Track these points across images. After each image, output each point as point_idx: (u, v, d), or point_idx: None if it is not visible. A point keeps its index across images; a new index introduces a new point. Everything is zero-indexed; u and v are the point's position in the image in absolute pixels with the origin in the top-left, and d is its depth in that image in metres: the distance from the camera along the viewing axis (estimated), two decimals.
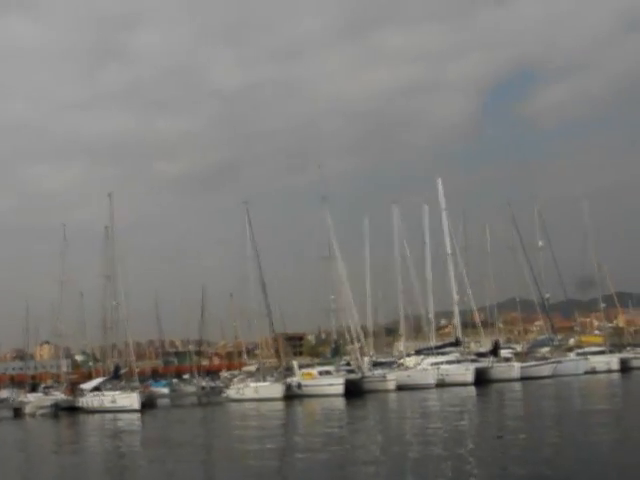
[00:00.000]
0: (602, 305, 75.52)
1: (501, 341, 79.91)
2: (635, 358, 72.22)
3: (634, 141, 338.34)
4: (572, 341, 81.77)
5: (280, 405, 56.45)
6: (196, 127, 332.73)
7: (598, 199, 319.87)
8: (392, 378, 60.62)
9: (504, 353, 74.60)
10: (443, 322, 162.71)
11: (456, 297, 68.01)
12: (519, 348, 78.38)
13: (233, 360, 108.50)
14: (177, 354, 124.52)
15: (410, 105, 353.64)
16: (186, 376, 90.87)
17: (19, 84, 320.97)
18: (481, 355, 71.00)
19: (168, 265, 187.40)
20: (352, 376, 61.07)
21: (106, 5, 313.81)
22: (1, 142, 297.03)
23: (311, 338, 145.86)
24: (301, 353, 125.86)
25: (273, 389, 60.26)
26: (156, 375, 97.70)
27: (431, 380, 60.59)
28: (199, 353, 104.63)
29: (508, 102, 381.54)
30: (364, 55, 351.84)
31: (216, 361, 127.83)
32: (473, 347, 77.27)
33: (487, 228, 75.53)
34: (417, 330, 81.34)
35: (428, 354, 67.70)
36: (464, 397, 52.18)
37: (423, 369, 63.65)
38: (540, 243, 72.22)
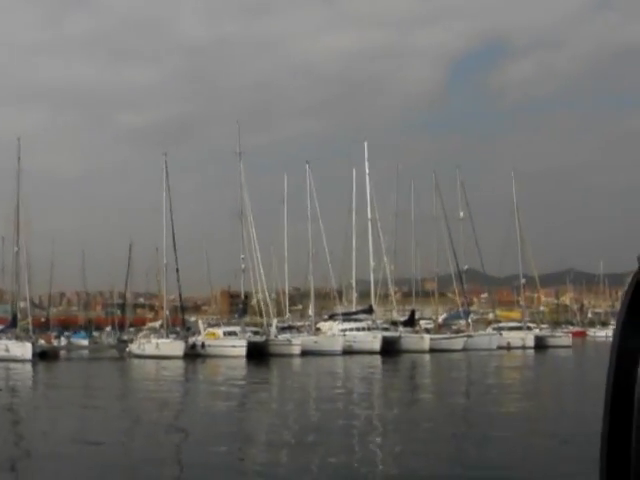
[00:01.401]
0: (522, 280, 74.32)
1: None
2: (551, 336, 71.45)
3: (594, 122, 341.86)
4: (491, 315, 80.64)
5: (179, 363, 54.81)
6: (160, 79, 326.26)
7: (556, 176, 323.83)
8: (297, 343, 58.87)
9: (424, 324, 73.49)
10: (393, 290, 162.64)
11: (372, 264, 66.25)
12: (440, 319, 77.37)
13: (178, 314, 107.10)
14: (123, 306, 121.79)
15: (376, 70, 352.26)
16: (108, 328, 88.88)
17: None
18: (402, 324, 69.65)
19: (119, 217, 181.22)
20: (256, 338, 59.07)
21: None
22: None
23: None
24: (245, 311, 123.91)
25: (174, 346, 58.10)
26: (76, 326, 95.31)
27: (337, 347, 58.90)
28: (143, 306, 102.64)
29: (475, 74, 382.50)
30: (332, 17, 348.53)
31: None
32: (395, 316, 75.78)
33: (412, 197, 73.42)
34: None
35: (340, 320, 65.96)
36: (364, 365, 50.74)
37: (332, 335, 61.95)
38: (461, 214, 70.61)
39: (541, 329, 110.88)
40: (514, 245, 72.62)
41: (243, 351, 56.12)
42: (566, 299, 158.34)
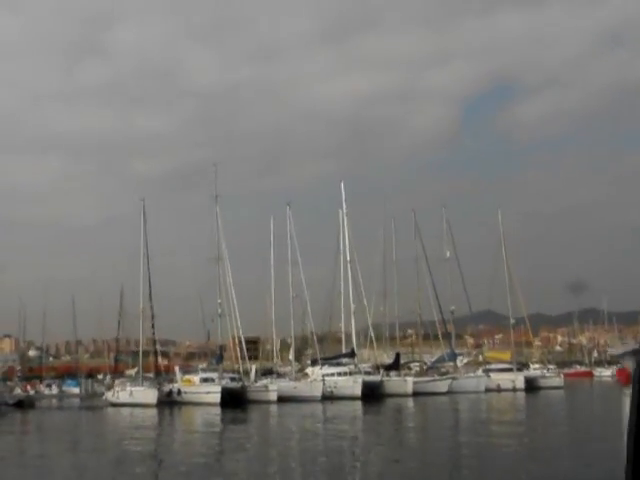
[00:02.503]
0: (512, 321, 72.21)
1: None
2: (542, 377, 69.16)
3: (605, 160, 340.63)
4: (481, 357, 78.43)
5: (151, 411, 52.94)
6: (172, 126, 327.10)
7: (569, 215, 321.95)
8: (274, 389, 56.81)
9: (414, 366, 71.59)
10: (409, 332, 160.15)
11: (352, 306, 64.31)
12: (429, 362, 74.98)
13: (193, 361, 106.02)
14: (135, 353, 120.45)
15: (388, 112, 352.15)
16: (100, 376, 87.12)
17: None
18: (385, 368, 67.56)
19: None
20: (232, 385, 57.13)
21: (86, 0, 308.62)
22: None
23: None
24: (257, 357, 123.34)
25: (147, 394, 56.22)
26: (70, 374, 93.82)
27: (317, 392, 56.84)
28: (155, 353, 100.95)
29: (486, 114, 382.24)
30: (343, 60, 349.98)
31: (177, 361, 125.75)
32: (385, 359, 73.63)
33: (393, 237, 71.72)
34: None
35: (321, 364, 63.98)
36: (341, 412, 48.68)
37: (313, 380, 59.98)
38: (448, 254, 68.86)
39: (536, 369, 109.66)
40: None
41: (217, 398, 54.30)
42: (583, 338, 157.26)
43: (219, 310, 60.14)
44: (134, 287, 62.38)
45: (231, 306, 59.48)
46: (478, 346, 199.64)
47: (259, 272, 71.21)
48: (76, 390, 76.15)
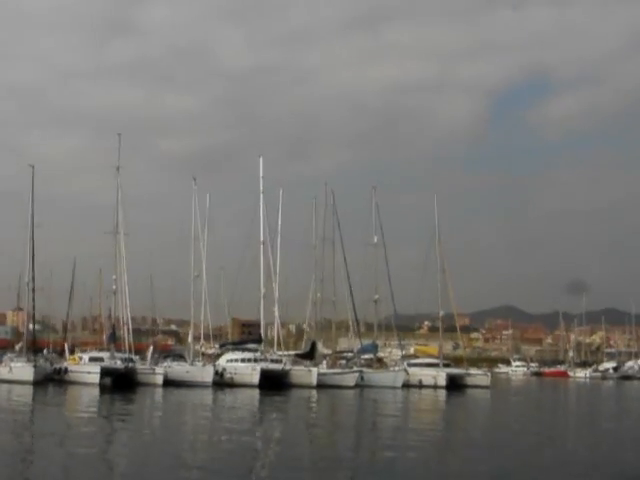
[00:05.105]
0: (440, 313, 67.66)
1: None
2: (467, 375, 64.80)
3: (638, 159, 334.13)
4: (412, 350, 74.22)
5: (25, 390, 48.65)
6: (201, 106, 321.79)
7: (599, 214, 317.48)
8: (160, 372, 52.82)
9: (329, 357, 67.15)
10: (427, 323, 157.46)
11: (263, 290, 60.04)
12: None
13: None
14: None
15: (417, 103, 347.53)
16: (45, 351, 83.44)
17: (25, 48, 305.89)
18: (299, 357, 63.43)
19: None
20: (117, 365, 53.02)
21: None
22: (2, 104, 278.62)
23: None
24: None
25: (24, 371, 51.93)
26: None
27: (207, 378, 52.75)
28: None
29: (515, 109, 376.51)
30: (374, 48, 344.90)
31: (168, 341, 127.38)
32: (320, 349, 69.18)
33: (314, 220, 66.98)
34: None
35: (230, 349, 59.94)
36: (222, 401, 44.66)
37: (204, 365, 55.95)
38: (375, 239, 64.34)
39: (518, 366, 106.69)
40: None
41: (96, 378, 50.35)
42: (597, 338, 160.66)
43: (114, 287, 56.20)
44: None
45: (123, 283, 55.41)
46: (487, 340, 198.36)
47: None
48: None
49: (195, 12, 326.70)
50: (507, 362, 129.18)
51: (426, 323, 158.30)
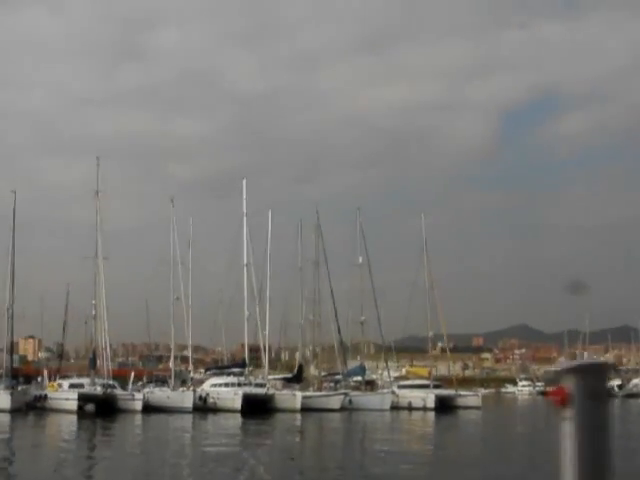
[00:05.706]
0: (429, 334, 66.75)
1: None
2: (459, 396, 63.40)
3: None
4: (404, 371, 72.94)
5: (3, 418, 47.37)
6: (211, 131, 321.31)
7: (609, 231, 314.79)
8: (139, 398, 51.55)
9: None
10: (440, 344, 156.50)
11: (247, 313, 58.93)
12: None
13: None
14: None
15: (427, 123, 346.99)
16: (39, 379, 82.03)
17: (36, 75, 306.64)
18: (287, 380, 62.21)
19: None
20: (96, 392, 51.83)
21: (128, 3, 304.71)
22: (13, 132, 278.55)
23: None
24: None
25: (2, 399, 50.67)
26: None
27: (187, 403, 51.53)
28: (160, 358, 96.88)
29: (526, 127, 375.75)
30: (382, 69, 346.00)
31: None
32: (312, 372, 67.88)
33: (299, 242, 66.02)
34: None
35: (214, 374, 58.78)
36: (200, 427, 43.43)
37: (184, 390, 54.82)
38: (360, 260, 63.34)
39: (524, 385, 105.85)
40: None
41: (74, 405, 49.21)
42: (610, 356, 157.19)
43: (93, 312, 55.33)
44: None
45: (102, 308, 54.57)
46: (497, 361, 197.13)
47: None
48: None
49: (205, 37, 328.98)
50: (514, 382, 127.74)
51: (439, 344, 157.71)
